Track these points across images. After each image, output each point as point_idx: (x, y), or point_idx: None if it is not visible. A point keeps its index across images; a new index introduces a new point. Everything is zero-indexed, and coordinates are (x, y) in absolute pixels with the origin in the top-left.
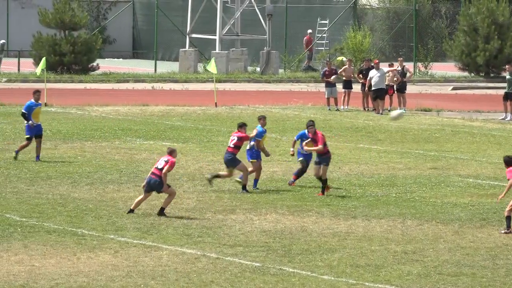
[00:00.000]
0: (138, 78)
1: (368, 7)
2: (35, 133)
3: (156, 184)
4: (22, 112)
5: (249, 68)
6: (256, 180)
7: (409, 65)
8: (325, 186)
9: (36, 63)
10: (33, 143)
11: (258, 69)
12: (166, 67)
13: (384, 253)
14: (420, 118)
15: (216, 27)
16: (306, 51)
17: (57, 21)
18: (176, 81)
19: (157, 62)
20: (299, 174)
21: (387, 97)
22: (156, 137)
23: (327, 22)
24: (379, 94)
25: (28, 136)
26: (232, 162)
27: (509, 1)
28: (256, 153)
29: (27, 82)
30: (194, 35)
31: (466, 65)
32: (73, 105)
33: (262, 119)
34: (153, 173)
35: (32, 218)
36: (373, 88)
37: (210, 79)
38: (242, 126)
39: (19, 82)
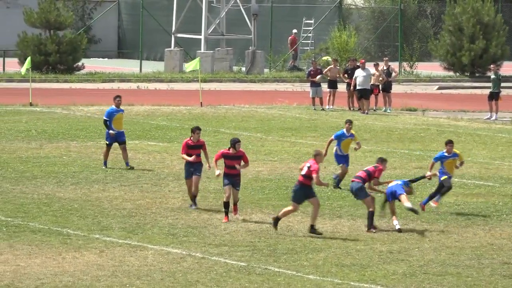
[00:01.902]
0: (123, 78)
1: (353, 6)
2: (116, 140)
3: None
4: (104, 120)
5: (235, 68)
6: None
7: (394, 65)
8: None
9: (21, 63)
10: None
11: (243, 68)
12: (151, 66)
13: (369, 252)
14: (405, 118)
15: (201, 27)
16: (291, 51)
17: (42, 20)
18: (161, 81)
19: (143, 61)
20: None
21: (372, 97)
22: (141, 137)
23: (312, 21)
24: (364, 94)
25: (108, 142)
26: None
27: (494, 0)
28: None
29: (12, 81)
30: (179, 35)
31: (451, 64)
32: (58, 104)
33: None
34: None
35: (17, 217)
36: (358, 88)
37: (195, 79)
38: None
39: (4, 82)
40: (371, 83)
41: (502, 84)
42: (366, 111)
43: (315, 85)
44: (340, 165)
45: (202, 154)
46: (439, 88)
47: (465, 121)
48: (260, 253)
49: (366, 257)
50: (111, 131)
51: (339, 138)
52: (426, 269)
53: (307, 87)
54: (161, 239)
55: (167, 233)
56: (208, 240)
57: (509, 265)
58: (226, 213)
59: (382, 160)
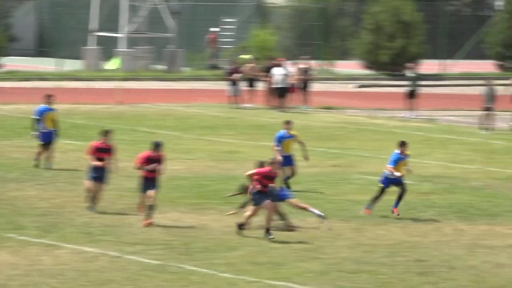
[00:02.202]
0: (42, 76)
1: (273, 5)
2: (46, 140)
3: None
4: (34, 118)
5: (154, 66)
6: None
7: (313, 63)
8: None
9: None
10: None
11: (163, 67)
12: (70, 65)
13: (284, 250)
14: (323, 116)
15: (121, 25)
16: (210, 49)
17: None
18: (80, 79)
19: (62, 60)
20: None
21: (290, 95)
22: (59, 136)
23: (233, 20)
24: (282, 92)
25: (41, 142)
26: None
27: None
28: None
29: None
30: (99, 33)
31: (370, 63)
32: None
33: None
34: None
35: None
36: (276, 86)
37: (114, 77)
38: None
39: None
40: (289, 81)
41: (420, 83)
42: (284, 109)
43: (234, 83)
44: (284, 167)
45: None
46: (358, 87)
47: (383, 119)
48: (175, 251)
49: (280, 255)
50: (35, 133)
51: (280, 139)
52: (340, 267)
53: (225, 85)
54: (76, 238)
55: (82, 232)
56: (123, 239)
57: (422, 263)
58: (148, 216)
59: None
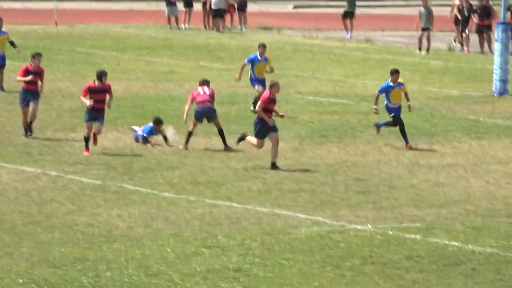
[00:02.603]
0: None
1: None
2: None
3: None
4: None
5: None
6: None
7: None
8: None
9: None
10: None
11: None
12: None
13: (224, 170)
14: (261, 37)
15: None
16: None
17: None
18: (17, 0)
19: None
20: None
21: (228, 16)
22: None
23: None
24: (219, 13)
25: None
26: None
27: None
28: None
29: None
30: None
31: None
32: None
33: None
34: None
35: None
36: (213, 7)
37: None
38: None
39: None
40: (227, 2)
41: (357, 3)
42: (221, 30)
43: (171, 4)
44: (256, 87)
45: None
46: (295, 7)
47: (320, 40)
48: (115, 171)
49: (221, 175)
50: None
51: (252, 62)
52: (281, 186)
53: (163, 5)
54: (16, 157)
55: (22, 152)
56: (63, 158)
57: (362, 181)
58: (87, 146)
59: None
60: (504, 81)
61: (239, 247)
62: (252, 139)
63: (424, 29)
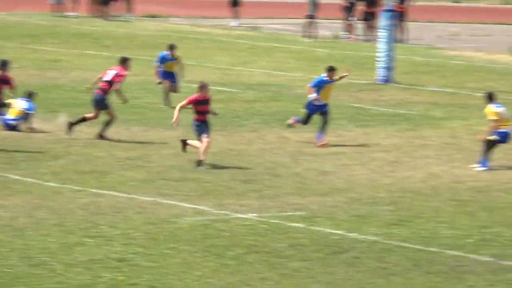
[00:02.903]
0: None
1: None
2: None
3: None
4: None
5: None
6: None
7: None
8: None
9: None
10: None
11: None
12: None
13: (109, 159)
14: (147, 24)
15: None
16: None
17: None
18: None
19: None
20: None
21: (114, 3)
22: None
23: None
24: (106, 1)
25: None
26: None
27: None
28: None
29: None
30: None
31: None
32: None
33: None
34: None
35: None
36: None
37: None
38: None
39: None
40: None
41: None
42: (107, 18)
43: None
44: (165, 80)
45: None
46: None
47: (207, 28)
48: None
49: (105, 164)
50: None
51: (163, 60)
52: (166, 175)
53: None
54: None
55: None
56: None
57: (246, 170)
58: None
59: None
60: (389, 68)
61: (122, 236)
62: (193, 142)
63: (309, 17)
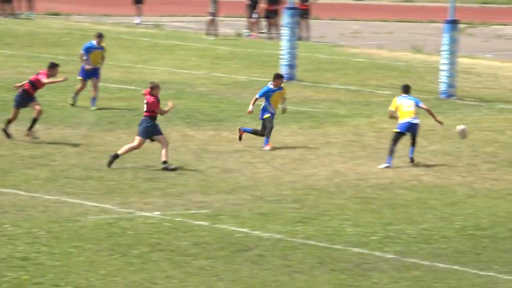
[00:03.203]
0: None
1: None
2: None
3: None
4: None
5: None
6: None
7: None
8: None
9: None
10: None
11: None
12: None
13: (11, 158)
14: (49, 22)
15: None
16: None
17: None
18: None
19: None
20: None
21: (15, 1)
22: None
23: None
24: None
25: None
26: None
27: None
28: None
29: None
30: None
31: None
32: None
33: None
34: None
35: None
36: None
37: None
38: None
39: None
40: None
41: None
42: (8, 16)
43: None
44: (84, 80)
45: None
46: None
47: (109, 25)
48: None
49: (8, 162)
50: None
51: (88, 50)
52: (69, 174)
53: None
54: None
55: None
56: None
57: (150, 168)
58: None
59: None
60: (291, 66)
61: (26, 235)
62: (125, 147)
63: (212, 14)
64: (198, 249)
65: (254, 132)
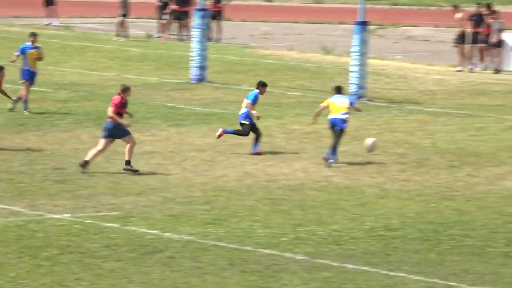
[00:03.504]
0: None
1: None
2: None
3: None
4: None
5: None
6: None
7: None
8: None
9: None
10: None
11: None
12: None
13: None
14: None
15: None
16: None
17: None
18: None
19: None
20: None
21: None
22: None
23: None
24: None
25: None
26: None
27: None
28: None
29: None
30: None
31: None
32: None
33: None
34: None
35: None
36: None
37: None
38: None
39: None
40: None
41: None
42: None
43: None
44: (23, 81)
45: None
46: None
47: (18, 27)
48: None
49: None
50: None
51: (24, 51)
52: None
53: None
54: None
55: None
56: None
57: (60, 170)
58: None
59: None
60: (202, 67)
61: None
62: (93, 151)
63: (122, 16)
64: (108, 251)
65: (236, 133)
